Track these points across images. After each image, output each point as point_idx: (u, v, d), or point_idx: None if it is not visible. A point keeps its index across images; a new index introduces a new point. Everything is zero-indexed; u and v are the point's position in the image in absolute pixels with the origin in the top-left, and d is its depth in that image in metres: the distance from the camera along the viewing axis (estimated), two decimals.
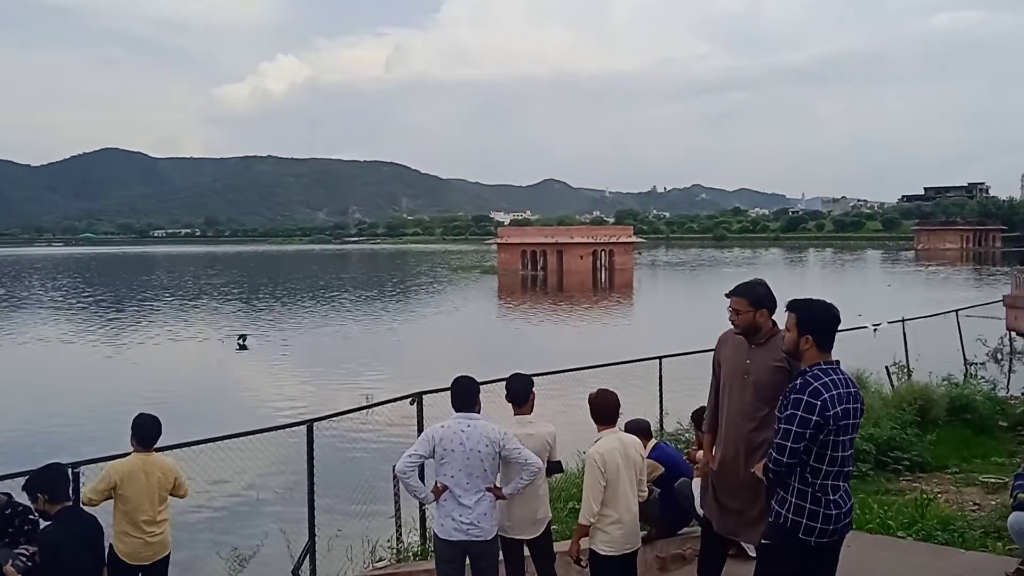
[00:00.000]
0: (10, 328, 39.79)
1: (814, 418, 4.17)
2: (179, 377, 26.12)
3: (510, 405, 6.26)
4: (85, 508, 5.74)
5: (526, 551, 6.28)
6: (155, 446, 6.59)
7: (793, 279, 69.04)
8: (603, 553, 5.80)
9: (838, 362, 4.45)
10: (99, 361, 29.68)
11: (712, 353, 5.66)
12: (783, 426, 4.26)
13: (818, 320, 4.45)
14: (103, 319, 44.71)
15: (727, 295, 5.34)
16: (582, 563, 5.93)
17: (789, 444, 4.21)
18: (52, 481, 5.32)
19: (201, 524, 11.35)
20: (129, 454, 6.41)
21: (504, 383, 6.39)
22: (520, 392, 6.20)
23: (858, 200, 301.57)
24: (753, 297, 5.19)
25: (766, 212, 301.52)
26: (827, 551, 4.40)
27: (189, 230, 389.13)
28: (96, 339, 35.45)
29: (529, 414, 6.21)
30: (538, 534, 6.22)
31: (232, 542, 9.84)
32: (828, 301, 4.58)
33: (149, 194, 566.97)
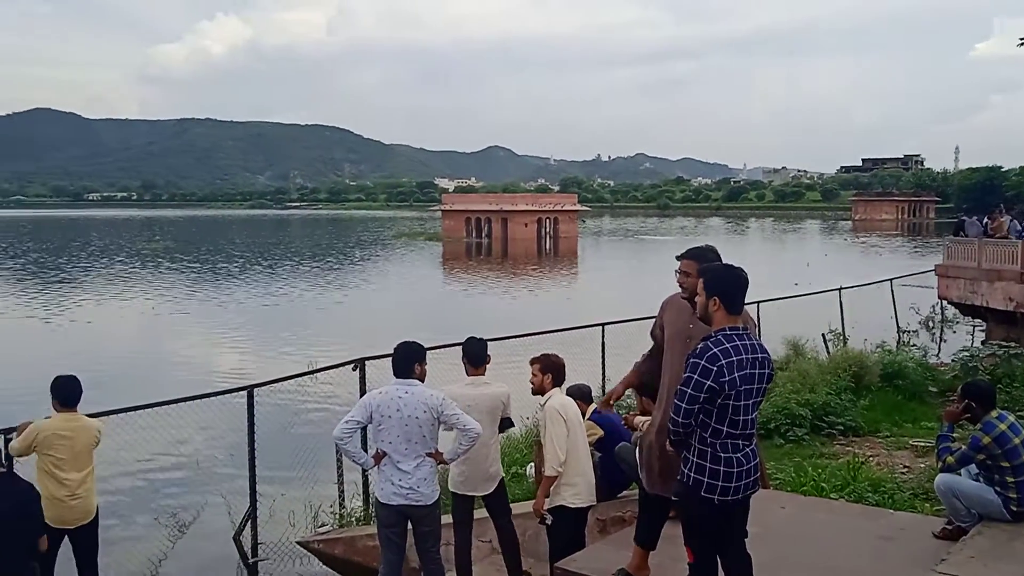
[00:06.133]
0: None
1: (708, 383, 4.32)
2: (117, 343, 25.61)
3: (463, 367, 6.45)
4: (19, 475, 5.62)
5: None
6: (91, 412, 6.48)
7: (734, 248, 70.00)
8: (572, 505, 6.09)
9: (746, 328, 4.57)
10: (35, 326, 28.92)
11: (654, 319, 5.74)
12: (679, 387, 4.44)
13: (724, 282, 4.56)
14: (42, 284, 43.51)
15: (678, 257, 5.43)
16: (547, 520, 6.10)
17: (683, 405, 4.38)
18: None
19: (141, 492, 11.21)
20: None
21: (458, 347, 6.56)
22: (477, 353, 6.38)
23: (798, 171, 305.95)
24: (704, 259, 5.27)
25: (708, 182, 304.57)
26: (733, 509, 4.55)
27: (125, 194, 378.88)
28: (32, 304, 34.51)
29: (483, 375, 6.37)
30: (491, 490, 6.41)
31: (172, 509, 9.73)
32: (736, 264, 4.69)
33: (82, 156, 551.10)
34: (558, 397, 6.27)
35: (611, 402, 6.58)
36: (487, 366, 6.44)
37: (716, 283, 4.55)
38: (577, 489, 6.16)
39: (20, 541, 5.15)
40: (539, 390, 6.31)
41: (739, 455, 4.46)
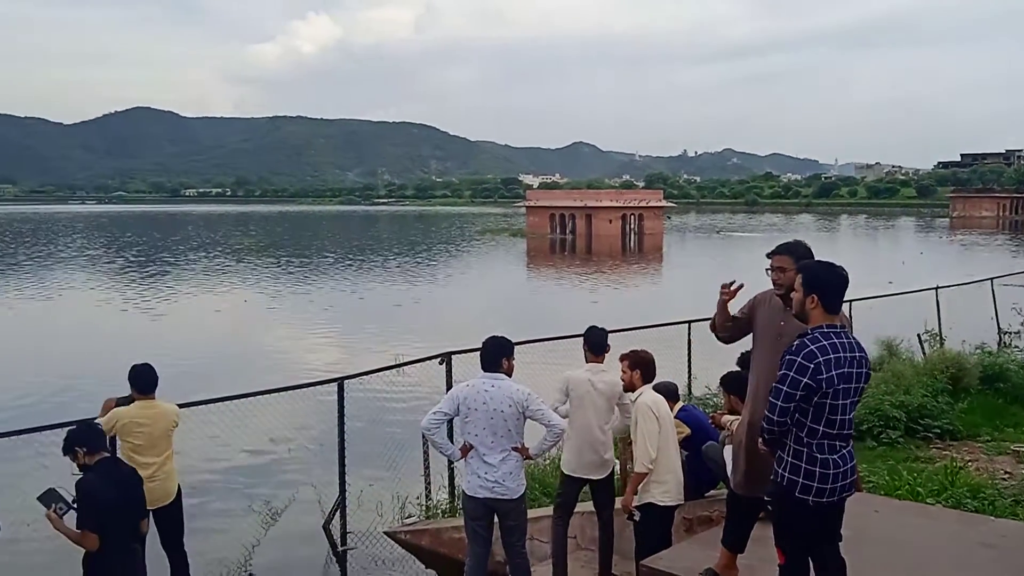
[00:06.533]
0: (52, 286, 40.31)
1: (804, 380, 4.23)
2: (212, 335, 26.42)
3: (583, 354, 6.71)
4: (122, 460, 5.85)
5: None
6: (187, 401, 6.73)
7: (825, 245, 68.32)
8: (661, 503, 6.05)
9: (843, 326, 4.47)
10: (138, 317, 30.06)
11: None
12: (775, 385, 4.35)
13: (824, 279, 4.46)
14: (145, 277, 45.21)
15: (769, 254, 5.33)
16: (635, 516, 6.09)
17: (779, 403, 4.31)
18: (87, 435, 5.43)
19: (235, 479, 11.55)
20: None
21: (543, 343, 6.66)
22: (598, 342, 6.61)
23: (892, 166, 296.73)
24: (798, 254, 5.17)
25: (798, 178, 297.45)
26: (827, 511, 4.44)
27: (220, 190, 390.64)
28: (131, 297, 35.88)
29: (602, 363, 6.54)
30: (603, 476, 6.50)
31: (264, 496, 10.01)
32: (836, 263, 4.57)
33: (179, 153, 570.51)
34: (649, 394, 6.23)
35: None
36: (606, 355, 6.62)
37: (815, 280, 4.45)
38: (667, 487, 6.12)
39: (125, 524, 5.35)
40: (629, 387, 6.29)
41: (836, 456, 4.36)
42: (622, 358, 6.42)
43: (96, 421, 6.49)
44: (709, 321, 5.83)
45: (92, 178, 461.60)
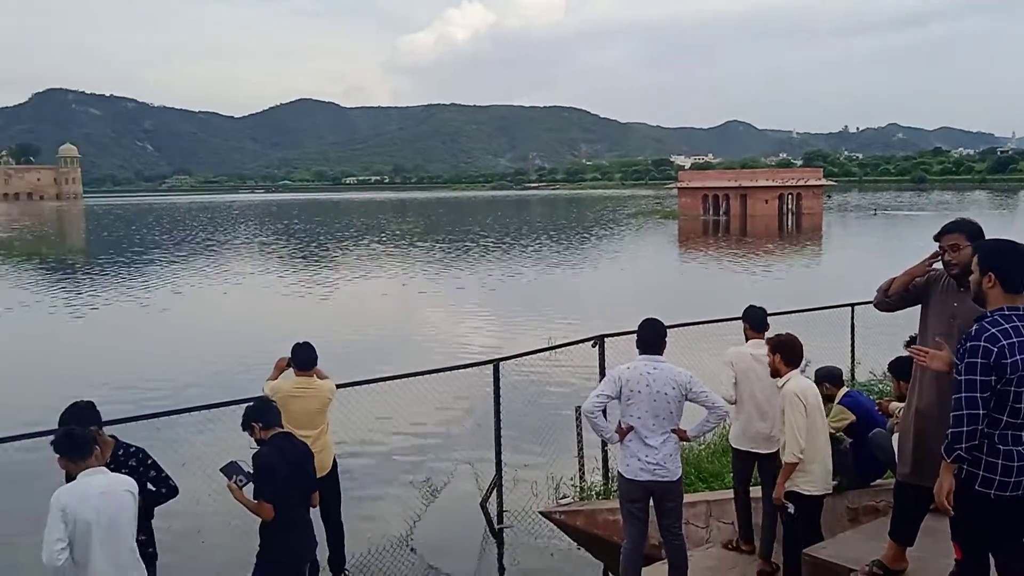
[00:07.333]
0: (233, 271, 42.84)
1: (986, 362, 3.92)
2: (381, 316, 27.40)
3: (744, 333, 6.92)
4: (294, 435, 6.19)
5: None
6: (353, 380, 7.04)
7: (1001, 225, 63.89)
8: (807, 493, 5.88)
9: None
10: (304, 302, 31.58)
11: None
12: (962, 378, 4.01)
13: (1003, 257, 4.13)
14: (307, 262, 47.44)
15: (938, 236, 5.05)
16: (788, 508, 5.95)
17: (971, 394, 3.96)
18: (262, 411, 5.76)
19: (395, 455, 11.98)
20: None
21: (694, 327, 6.61)
22: (758, 319, 6.84)
23: None
24: (970, 231, 4.89)
25: (971, 152, 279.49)
26: (1011, 506, 4.11)
27: (378, 177, 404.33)
28: (301, 280, 37.68)
29: (763, 340, 6.60)
30: (772, 451, 6.44)
31: (424, 473, 10.36)
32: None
33: (340, 142, 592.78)
34: (796, 380, 6.00)
35: None
36: (767, 332, 6.72)
37: (993, 258, 4.15)
38: (811, 477, 5.92)
39: (298, 495, 5.66)
40: (775, 372, 6.12)
41: (1020, 447, 4.07)
42: (767, 342, 6.27)
43: (265, 383, 6.93)
44: (883, 283, 5.47)
45: (260, 168, 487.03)
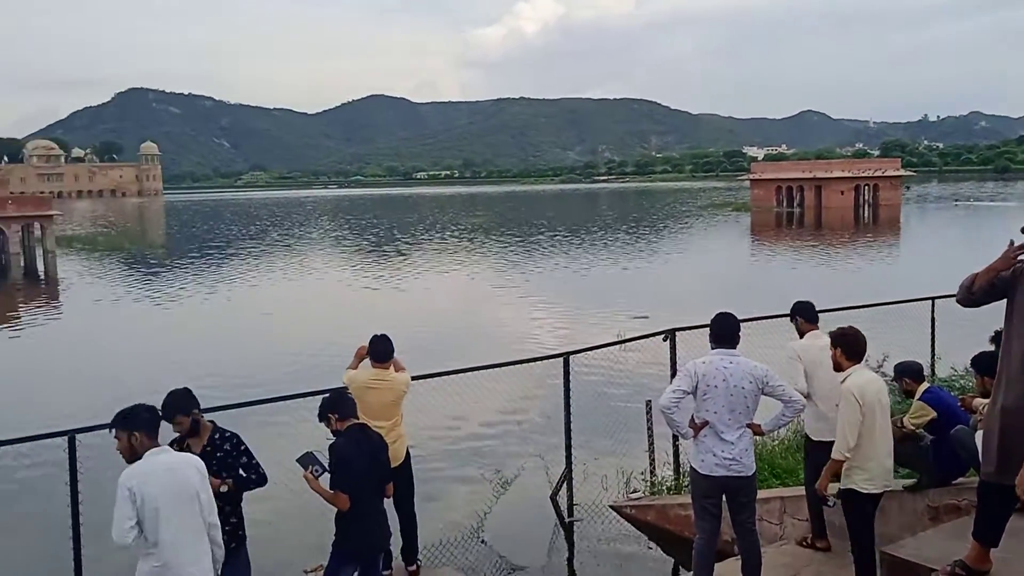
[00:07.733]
0: (311, 264, 43.67)
1: None
2: (446, 310, 27.66)
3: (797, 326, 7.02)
4: (369, 426, 6.28)
5: None
6: (424, 373, 7.12)
7: None
8: (863, 491, 5.76)
9: None
10: (379, 295, 32.01)
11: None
12: None
13: None
14: (383, 256, 48.06)
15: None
16: (829, 502, 5.86)
17: None
18: (338, 402, 5.86)
19: (466, 447, 12.07)
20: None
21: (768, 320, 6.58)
22: (813, 312, 6.97)
23: None
24: None
25: None
26: None
27: (448, 172, 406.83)
28: (377, 273, 38.26)
29: (819, 330, 6.78)
30: None
31: (494, 465, 10.42)
32: None
33: (410, 137, 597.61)
34: (857, 376, 5.83)
35: None
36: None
37: None
38: (869, 474, 5.77)
39: (373, 486, 5.75)
40: (837, 366, 5.96)
41: None
42: (829, 335, 6.14)
43: (345, 372, 7.05)
44: (964, 279, 5.25)
45: (332, 164, 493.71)
